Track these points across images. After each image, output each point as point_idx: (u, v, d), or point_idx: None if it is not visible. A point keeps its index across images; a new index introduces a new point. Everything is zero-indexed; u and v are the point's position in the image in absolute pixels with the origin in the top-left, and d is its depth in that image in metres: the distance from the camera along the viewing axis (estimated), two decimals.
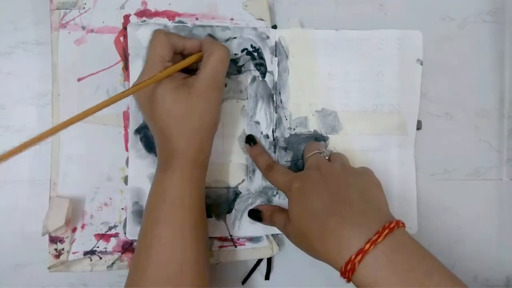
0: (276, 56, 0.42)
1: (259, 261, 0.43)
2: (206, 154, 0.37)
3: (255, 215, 0.40)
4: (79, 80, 0.40)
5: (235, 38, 0.41)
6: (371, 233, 0.29)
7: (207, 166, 0.37)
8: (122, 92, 0.32)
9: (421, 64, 0.44)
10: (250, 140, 0.41)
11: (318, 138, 0.43)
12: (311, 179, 0.35)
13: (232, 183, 0.42)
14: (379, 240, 0.29)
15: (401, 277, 0.28)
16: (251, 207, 0.42)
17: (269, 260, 0.43)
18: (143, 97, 0.35)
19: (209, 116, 0.35)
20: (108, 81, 0.41)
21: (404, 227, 0.31)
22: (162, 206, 0.34)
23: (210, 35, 0.40)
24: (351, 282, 0.30)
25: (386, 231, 0.29)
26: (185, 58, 0.37)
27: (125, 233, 0.40)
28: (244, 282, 0.43)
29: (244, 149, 0.42)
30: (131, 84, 0.40)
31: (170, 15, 0.41)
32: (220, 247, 0.42)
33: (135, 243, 0.41)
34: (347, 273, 0.29)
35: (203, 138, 0.36)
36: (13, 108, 0.41)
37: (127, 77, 0.41)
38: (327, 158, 0.39)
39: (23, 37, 0.41)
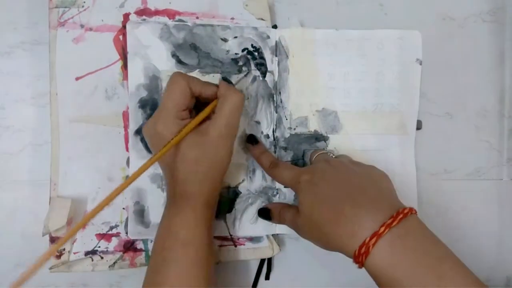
0: (276, 55, 0.42)
1: (262, 262, 0.43)
2: (217, 194, 0.37)
3: (265, 213, 0.40)
4: (77, 79, 0.40)
5: (235, 37, 0.41)
6: (386, 217, 0.29)
7: (216, 204, 0.38)
8: (144, 164, 0.32)
9: (420, 64, 0.44)
10: (252, 139, 0.41)
11: (318, 138, 0.43)
12: (321, 170, 0.35)
13: (232, 183, 0.42)
14: (393, 224, 0.29)
15: (415, 261, 0.28)
16: (251, 207, 0.42)
17: (270, 260, 0.43)
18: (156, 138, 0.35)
19: (222, 160, 0.35)
20: (107, 80, 0.41)
21: (417, 214, 0.32)
22: (173, 246, 0.34)
23: (224, 79, 0.40)
24: (362, 268, 0.30)
25: (401, 215, 0.29)
26: (199, 100, 0.37)
27: (126, 233, 0.40)
28: (254, 286, 0.43)
29: (244, 149, 0.42)
30: (130, 83, 0.40)
31: (170, 14, 0.41)
32: (220, 246, 0.42)
33: (136, 243, 0.41)
34: (361, 256, 0.29)
35: (215, 181, 0.36)
36: (13, 108, 0.41)
37: (126, 76, 0.40)
38: (333, 156, 0.40)
39: (23, 37, 0.41)
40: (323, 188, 0.33)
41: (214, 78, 0.41)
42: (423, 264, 0.28)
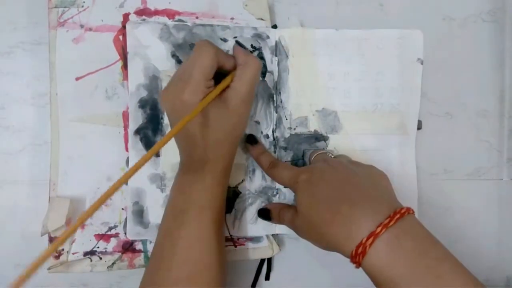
0: (276, 55, 0.42)
1: (262, 262, 0.43)
2: (233, 159, 0.38)
3: (265, 214, 0.40)
4: (77, 79, 0.40)
5: (235, 37, 0.41)
6: (383, 217, 0.29)
7: (231, 169, 0.38)
8: (170, 132, 0.31)
9: (422, 64, 0.44)
10: (251, 139, 0.41)
11: (318, 138, 0.43)
12: (319, 170, 0.35)
13: (232, 182, 0.42)
14: (390, 224, 0.29)
15: (412, 262, 0.28)
16: (251, 207, 0.42)
17: (269, 260, 0.43)
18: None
19: (241, 128, 0.36)
20: (107, 80, 0.40)
21: (414, 214, 0.31)
22: (191, 208, 0.34)
23: (238, 42, 0.40)
24: (360, 268, 0.30)
25: (398, 215, 0.29)
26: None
27: (125, 233, 0.40)
28: (253, 286, 0.43)
29: (244, 149, 0.42)
30: (130, 83, 0.40)
31: (170, 14, 0.41)
32: None
33: (135, 243, 0.41)
34: (358, 256, 0.29)
35: (233, 148, 0.37)
36: (12, 108, 0.41)
37: (126, 76, 0.40)
38: (332, 156, 0.39)
39: (22, 37, 0.41)
40: (321, 188, 0.33)
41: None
42: (421, 265, 0.28)
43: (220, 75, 0.35)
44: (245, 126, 0.37)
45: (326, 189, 0.33)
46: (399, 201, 0.33)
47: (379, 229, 0.28)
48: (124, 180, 0.28)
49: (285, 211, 0.38)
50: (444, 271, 0.28)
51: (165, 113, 0.39)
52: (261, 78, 0.42)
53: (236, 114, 0.34)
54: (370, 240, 0.28)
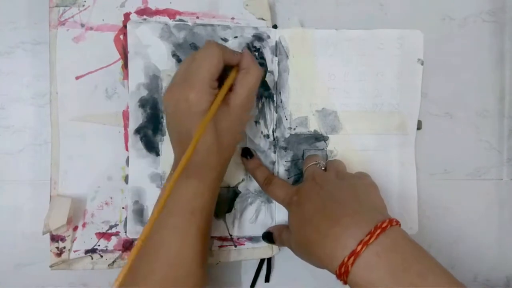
0: (276, 55, 0.42)
1: (261, 262, 0.43)
2: (228, 164, 0.37)
3: (268, 237, 0.40)
4: (77, 78, 0.40)
5: (235, 37, 0.41)
6: (364, 233, 0.29)
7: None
8: (195, 137, 0.31)
9: (422, 64, 0.44)
10: (247, 153, 0.41)
11: (318, 138, 0.43)
12: (306, 190, 0.35)
13: (232, 182, 0.42)
14: (371, 240, 0.28)
15: (396, 278, 0.27)
16: (250, 207, 0.42)
17: (269, 261, 0.43)
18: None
19: (240, 131, 0.36)
20: (107, 79, 0.41)
21: (399, 225, 0.31)
22: (179, 212, 0.34)
23: (249, 48, 0.41)
24: (347, 285, 0.30)
25: (378, 231, 0.29)
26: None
27: (125, 232, 0.40)
28: (252, 286, 0.43)
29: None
30: (130, 83, 0.40)
31: (171, 14, 0.41)
32: (220, 246, 0.42)
33: (135, 242, 0.41)
34: (342, 275, 0.29)
35: (230, 153, 0.36)
36: (12, 108, 0.41)
37: (126, 75, 0.41)
38: (323, 168, 0.39)
39: (22, 37, 0.41)
40: (308, 208, 0.34)
41: None
42: (403, 282, 0.27)
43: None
44: (242, 131, 0.37)
45: (311, 209, 0.33)
46: (387, 211, 0.33)
47: (359, 247, 0.28)
48: (160, 208, 0.29)
49: (284, 232, 0.38)
50: (427, 287, 0.27)
51: (165, 113, 0.38)
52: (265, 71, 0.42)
53: (237, 118, 0.35)
54: (352, 259, 0.28)
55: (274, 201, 0.42)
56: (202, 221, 0.35)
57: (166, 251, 0.33)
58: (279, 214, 0.42)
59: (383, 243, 0.29)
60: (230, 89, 0.35)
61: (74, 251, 0.40)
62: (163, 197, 0.30)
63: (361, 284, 0.28)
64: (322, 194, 0.34)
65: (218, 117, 0.33)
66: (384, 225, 0.29)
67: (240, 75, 0.35)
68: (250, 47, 0.41)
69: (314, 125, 0.43)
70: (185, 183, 0.34)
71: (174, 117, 0.34)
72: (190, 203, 0.34)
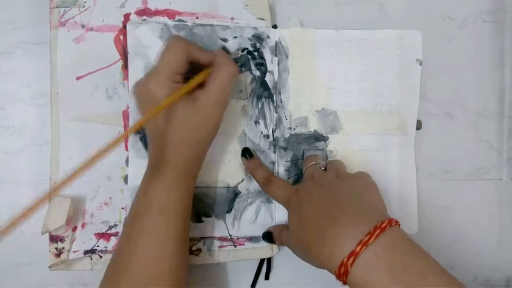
0: (276, 55, 0.42)
1: (261, 262, 0.43)
2: (199, 165, 0.37)
3: (268, 236, 0.40)
4: (77, 78, 0.40)
5: (235, 37, 0.41)
6: (363, 234, 0.29)
7: (197, 176, 0.37)
8: (135, 124, 0.31)
9: (420, 64, 0.44)
10: (246, 153, 0.41)
11: (318, 138, 0.43)
12: (305, 190, 0.35)
13: (232, 182, 0.42)
14: (370, 241, 0.28)
15: (395, 278, 0.27)
16: (250, 207, 0.42)
17: (269, 260, 0.43)
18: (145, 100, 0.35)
19: (209, 130, 0.35)
20: (107, 79, 0.41)
21: (398, 225, 0.31)
22: (150, 212, 0.34)
23: (224, 49, 0.40)
24: (347, 285, 0.30)
25: (378, 231, 0.29)
26: (194, 65, 0.36)
27: None
28: (253, 286, 0.43)
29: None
30: (130, 83, 0.40)
31: (171, 14, 0.41)
32: (220, 247, 0.42)
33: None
34: (341, 276, 0.29)
35: (199, 151, 0.36)
36: (13, 108, 0.41)
37: (126, 75, 0.41)
38: (323, 168, 0.39)
39: (23, 37, 0.41)
40: (307, 208, 0.33)
41: None
42: (402, 281, 0.27)
43: (199, 71, 0.36)
44: (214, 130, 0.36)
45: (311, 209, 0.33)
46: (387, 211, 0.33)
47: (358, 247, 0.28)
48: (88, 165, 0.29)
49: (284, 232, 0.38)
50: (427, 287, 0.27)
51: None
52: (261, 78, 0.42)
53: (203, 115, 0.34)
54: (351, 260, 0.28)
55: (274, 201, 0.42)
56: (173, 219, 0.34)
57: (139, 252, 0.33)
58: (279, 214, 0.42)
59: (382, 243, 0.29)
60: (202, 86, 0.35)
61: (73, 252, 0.40)
62: None
63: (361, 284, 0.28)
64: (321, 194, 0.34)
65: (180, 113, 0.33)
66: (383, 225, 0.29)
67: (212, 72, 0.35)
68: (226, 48, 0.40)
69: (314, 125, 0.43)
70: (152, 182, 0.35)
71: (140, 107, 0.35)
72: (158, 202, 0.34)
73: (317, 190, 0.34)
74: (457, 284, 0.28)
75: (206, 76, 0.35)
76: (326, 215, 0.32)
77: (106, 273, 0.34)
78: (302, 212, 0.34)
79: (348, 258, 0.28)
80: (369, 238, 0.28)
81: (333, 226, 0.30)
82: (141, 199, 0.35)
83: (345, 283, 0.29)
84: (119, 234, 0.36)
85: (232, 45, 0.41)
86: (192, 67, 0.36)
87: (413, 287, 0.27)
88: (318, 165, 0.39)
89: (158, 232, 0.34)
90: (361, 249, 0.28)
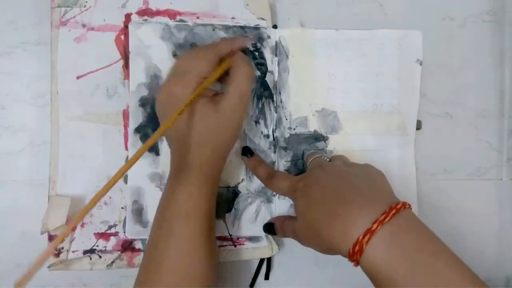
0: (276, 55, 0.42)
1: (261, 262, 0.43)
2: (221, 169, 0.37)
3: (270, 228, 0.40)
4: (78, 78, 0.40)
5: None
6: (378, 214, 0.29)
7: (220, 178, 0.37)
8: (160, 128, 0.31)
9: (421, 65, 0.44)
10: (247, 151, 0.41)
11: (318, 138, 0.43)
12: (315, 176, 0.35)
13: (232, 182, 0.42)
14: (386, 220, 0.29)
15: (409, 258, 0.28)
16: (250, 207, 0.42)
17: (269, 260, 0.43)
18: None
19: (230, 135, 0.35)
20: (108, 79, 0.41)
21: (411, 208, 0.31)
22: (177, 219, 0.34)
23: (243, 51, 0.39)
24: (359, 266, 0.30)
25: (393, 211, 0.29)
26: None
27: (124, 232, 0.40)
28: (251, 286, 0.43)
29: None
30: (131, 82, 0.40)
31: (171, 14, 0.41)
32: (220, 246, 0.42)
33: (134, 242, 0.41)
34: (355, 255, 0.29)
35: (221, 155, 0.36)
36: (13, 108, 0.41)
37: (127, 75, 0.41)
38: (328, 160, 0.39)
39: (23, 37, 0.41)
40: (317, 191, 0.33)
41: None
42: (417, 261, 0.28)
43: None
44: (238, 133, 0.36)
45: (321, 192, 0.33)
46: (396, 197, 0.33)
47: (375, 225, 0.28)
48: (120, 176, 0.28)
49: (287, 222, 0.38)
50: (441, 268, 0.28)
51: (156, 108, 0.38)
52: (261, 78, 0.42)
53: (225, 119, 0.34)
54: (367, 237, 0.28)
55: (274, 201, 0.42)
56: (197, 223, 0.34)
57: (168, 260, 0.33)
58: (279, 214, 0.42)
59: (397, 224, 0.29)
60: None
61: (73, 252, 0.40)
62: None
63: (376, 262, 0.28)
64: (330, 178, 0.34)
65: (202, 116, 0.34)
66: (398, 206, 0.30)
67: (230, 75, 0.35)
68: (247, 50, 0.39)
69: (314, 125, 0.43)
70: (176, 187, 0.35)
71: (161, 110, 0.35)
72: (182, 207, 0.34)
73: (327, 176, 0.34)
74: (467, 268, 0.29)
75: (226, 68, 0.35)
76: (337, 197, 0.32)
77: (137, 282, 0.34)
78: (311, 195, 0.34)
79: (364, 236, 0.28)
80: (385, 217, 0.29)
81: (347, 206, 0.31)
82: (165, 203, 0.35)
83: (357, 263, 0.29)
84: (148, 241, 0.36)
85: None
86: None
87: (427, 266, 0.28)
88: (323, 157, 0.39)
89: (185, 240, 0.33)
90: (377, 227, 0.28)
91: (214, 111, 0.34)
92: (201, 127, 0.34)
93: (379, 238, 0.28)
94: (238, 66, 0.35)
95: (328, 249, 0.32)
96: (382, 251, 0.28)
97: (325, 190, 0.33)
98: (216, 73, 0.35)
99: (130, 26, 0.40)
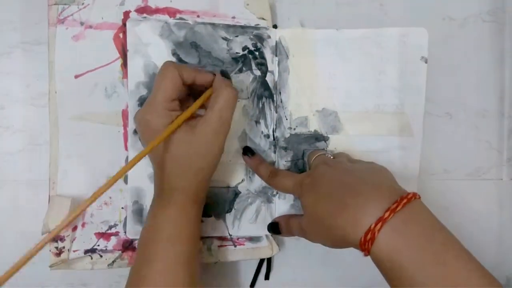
0: (276, 55, 0.42)
1: (261, 262, 0.43)
2: (205, 191, 0.37)
3: (274, 227, 0.40)
4: (76, 77, 0.40)
5: (236, 36, 0.41)
6: (389, 203, 0.29)
7: (204, 201, 0.37)
8: (134, 158, 0.32)
9: (426, 62, 0.43)
10: (248, 151, 0.41)
11: (319, 138, 0.43)
12: (321, 172, 0.35)
13: (232, 182, 0.42)
14: (398, 208, 0.29)
15: (420, 247, 0.28)
16: (250, 207, 0.42)
17: (269, 260, 0.43)
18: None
19: (211, 158, 0.35)
20: (106, 78, 0.40)
21: (420, 199, 0.32)
22: (158, 242, 0.34)
23: (222, 72, 0.37)
24: (368, 257, 0.30)
25: (405, 200, 0.29)
26: (193, 89, 0.36)
27: (125, 232, 0.40)
28: (252, 286, 0.43)
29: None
30: (129, 81, 0.40)
31: (171, 12, 0.41)
32: (220, 246, 0.42)
33: (135, 242, 0.41)
34: (367, 243, 0.29)
35: (204, 178, 0.35)
36: (13, 108, 0.41)
37: (125, 74, 0.40)
38: (331, 157, 0.39)
39: (23, 37, 0.41)
40: (324, 186, 0.33)
41: None
42: (427, 251, 0.28)
43: (201, 92, 0.35)
44: (219, 157, 0.35)
45: (329, 186, 0.33)
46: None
47: (387, 214, 0.29)
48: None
49: (292, 220, 0.38)
50: (450, 259, 0.28)
51: None
52: (261, 78, 0.42)
53: (203, 143, 0.34)
54: (379, 225, 0.28)
55: (274, 201, 0.42)
56: (180, 246, 0.34)
57: (148, 281, 0.32)
58: (280, 214, 0.42)
59: (408, 213, 0.29)
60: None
61: (74, 251, 0.40)
62: None
63: (387, 251, 0.28)
64: (337, 172, 0.34)
65: (178, 142, 0.33)
66: (409, 196, 0.30)
67: (211, 99, 0.34)
68: (226, 73, 0.37)
69: (314, 125, 0.43)
70: (157, 208, 0.35)
71: (141, 137, 0.36)
72: (163, 229, 0.34)
73: (333, 171, 0.34)
74: (474, 258, 0.29)
75: (206, 99, 0.35)
76: (346, 189, 0.32)
77: None
78: (318, 190, 0.34)
79: (376, 224, 0.28)
80: (397, 206, 0.29)
81: (356, 197, 0.31)
82: (148, 227, 0.35)
83: (368, 252, 0.29)
84: (134, 261, 0.35)
85: (233, 44, 0.41)
86: (192, 89, 0.36)
87: (437, 255, 0.28)
88: (327, 155, 0.39)
89: (167, 261, 0.33)
90: (389, 215, 0.28)
91: (191, 137, 0.33)
92: (178, 153, 0.34)
93: (390, 227, 0.28)
94: (219, 90, 0.34)
95: (338, 241, 0.32)
96: (394, 239, 0.28)
97: (332, 184, 0.33)
98: (197, 104, 0.34)
99: (128, 23, 0.40)
